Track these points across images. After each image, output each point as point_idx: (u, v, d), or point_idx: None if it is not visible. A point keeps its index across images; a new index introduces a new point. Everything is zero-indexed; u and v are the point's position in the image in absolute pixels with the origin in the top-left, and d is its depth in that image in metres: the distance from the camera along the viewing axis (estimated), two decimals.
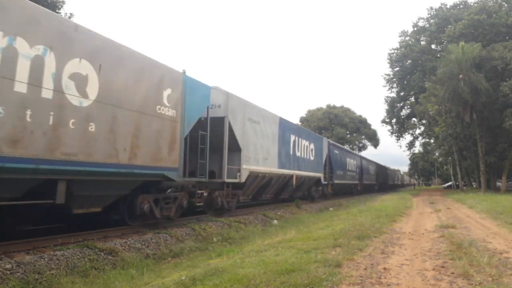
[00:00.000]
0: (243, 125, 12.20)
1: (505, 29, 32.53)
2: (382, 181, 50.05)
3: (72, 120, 6.16)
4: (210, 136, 10.38)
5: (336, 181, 25.19)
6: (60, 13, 16.15)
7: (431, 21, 40.63)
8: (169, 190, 9.28)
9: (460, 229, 9.09)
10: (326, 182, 22.67)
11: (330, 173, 23.63)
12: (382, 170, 50.40)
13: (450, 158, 47.58)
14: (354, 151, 42.63)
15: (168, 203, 9.17)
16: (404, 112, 48.77)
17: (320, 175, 21.05)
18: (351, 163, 30.63)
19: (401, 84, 45.00)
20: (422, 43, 41.89)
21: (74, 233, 7.27)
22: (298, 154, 17.48)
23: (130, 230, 8.38)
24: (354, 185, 32.70)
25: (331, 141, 25.82)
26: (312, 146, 19.71)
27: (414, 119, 47.48)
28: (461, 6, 39.45)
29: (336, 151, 26.37)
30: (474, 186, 41.21)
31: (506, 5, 34.52)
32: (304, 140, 18.64)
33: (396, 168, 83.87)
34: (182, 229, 9.17)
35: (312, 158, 19.61)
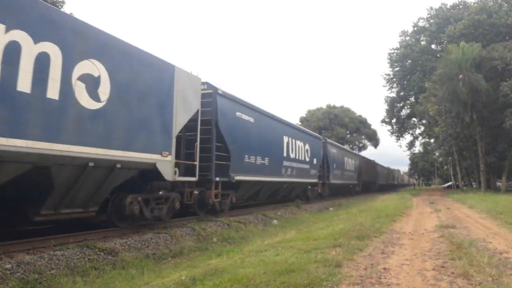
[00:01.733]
0: None
1: (505, 29, 32.54)
2: (368, 179, 39.53)
3: None
4: None
5: (246, 178, 12.53)
6: None
7: (431, 21, 40.63)
8: None
9: (460, 229, 9.08)
10: (215, 179, 10.87)
11: (227, 160, 11.44)
12: (368, 166, 40.16)
13: (450, 158, 47.51)
14: (312, 132, 24.07)
15: None
16: (404, 112, 48.77)
17: (157, 162, 8.31)
18: (298, 147, 17.63)
19: (401, 84, 45.00)
20: (422, 43, 41.88)
21: (74, 233, 7.27)
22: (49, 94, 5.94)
23: (130, 230, 8.37)
24: (311, 185, 20.76)
25: (221, 91, 11.63)
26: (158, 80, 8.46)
27: (414, 119, 47.47)
28: (461, 6, 39.48)
29: (238, 111, 12.45)
30: (474, 186, 41.19)
31: (506, 5, 34.52)
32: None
33: (396, 168, 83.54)
34: (182, 229, 9.18)
35: (148, 111, 8.13)
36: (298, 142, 17.85)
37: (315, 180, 20.93)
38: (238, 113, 12.44)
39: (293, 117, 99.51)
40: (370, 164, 41.94)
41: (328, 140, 25.98)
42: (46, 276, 5.42)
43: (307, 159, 19.16)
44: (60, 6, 16.89)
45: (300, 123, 54.98)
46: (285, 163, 16.14)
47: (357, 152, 51.02)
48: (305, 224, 11.73)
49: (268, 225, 12.39)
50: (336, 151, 26.26)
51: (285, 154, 16.15)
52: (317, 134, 24.42)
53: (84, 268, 5.99)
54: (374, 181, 43.75)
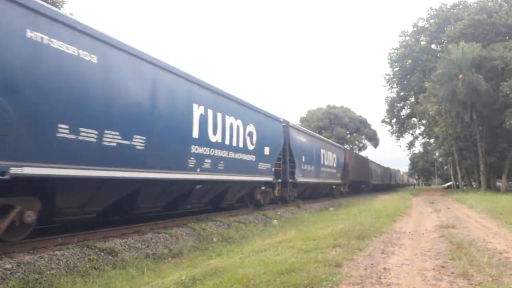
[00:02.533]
0: None
1: (505, 29, 32.56)
2: (358, 179, 33.66)
3: None
4: None
5: (64, 172, 5.97)
6: None
7: (431, 21, 40.65)
8: None
9: (460, 229, 9.08)
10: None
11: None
12: (358, 163, 34.03)
13: (450, 158, 47.57)
14: (263, 109, 14.42)
15: None
16: (404, 112, 48.84)
17: None
18: (231, 126, 11.43)
19: (401, 84, 45.04)
20: (422, 43, 41.90)
21: (74, 233, 7.27)
22: None
23: (130, 230, 8.38)
24: (265, 184, 14.99)
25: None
26: None
27: (414, 119, 47.52)
28: (461, 6, 39.49)
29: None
30: (474, 186, 41.24)
31: (506, 5, 34.55)
32: None
33: (396, 168, 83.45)
34: (182, 229, 9.18)
35: None
36: (230, 120, 11.42)
37: (269, 179, 14.60)
38: (34, 34, 5.53)
39: (293, 117, 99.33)
40: (360, 161, 35.74)
41: (293, 124, 18.63)
42: (46, 276, 5.41)
43: (251, 147, 12.78)
44: (60, 6, 16.91)
45: (300, 123, 54.77)
46: (197, 149, 9.67)
47: (357, 151, 50.82)
48: (305, 224, 11.73)
49: (268, 225, 12.39)
50: (306, 140, 19.28)
51: (196, 135, 9.62)
52: (273, 114, 15.57)
53: (84, 268, 5.98)
54: (367, 180, 37.71)
